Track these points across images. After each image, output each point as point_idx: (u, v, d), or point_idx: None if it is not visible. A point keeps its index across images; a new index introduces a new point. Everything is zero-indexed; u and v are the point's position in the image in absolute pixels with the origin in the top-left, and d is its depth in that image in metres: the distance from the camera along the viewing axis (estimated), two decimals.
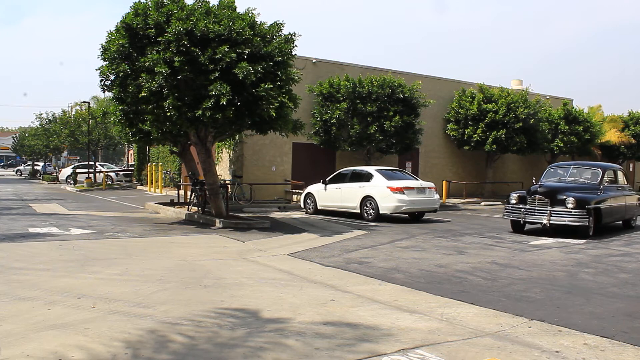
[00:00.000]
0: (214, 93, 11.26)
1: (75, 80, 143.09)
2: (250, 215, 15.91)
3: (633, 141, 29.58)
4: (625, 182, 14.62)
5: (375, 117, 19.77)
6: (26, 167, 58.54)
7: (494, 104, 23.65)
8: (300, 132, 14.81)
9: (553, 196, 12.30)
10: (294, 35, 12.81)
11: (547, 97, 29.07)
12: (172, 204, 17.46)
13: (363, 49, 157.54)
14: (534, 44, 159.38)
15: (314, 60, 21.93)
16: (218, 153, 21.62)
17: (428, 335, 4.82)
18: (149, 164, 29.46)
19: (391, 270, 7.89)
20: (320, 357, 4.21)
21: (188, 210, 15.50)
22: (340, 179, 16.62)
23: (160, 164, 27.60)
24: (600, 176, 13.27)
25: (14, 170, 66.68)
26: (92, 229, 12.11)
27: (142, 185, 30.72)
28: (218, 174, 16.04)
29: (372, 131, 19.66)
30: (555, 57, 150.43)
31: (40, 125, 45.12)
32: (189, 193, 17.19)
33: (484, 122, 23.54)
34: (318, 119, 20.53)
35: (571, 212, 11.94)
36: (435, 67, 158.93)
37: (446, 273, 7.77)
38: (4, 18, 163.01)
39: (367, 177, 15.83)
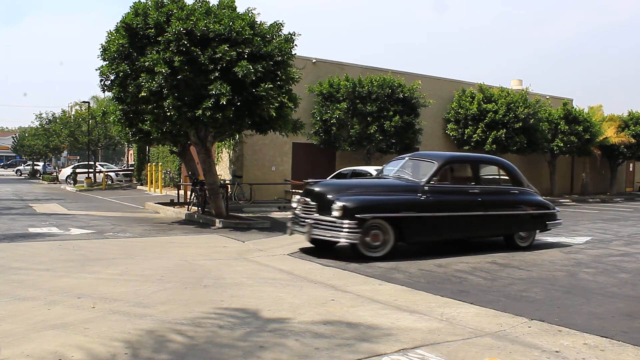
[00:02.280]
0: (214, 93, 11.27)
1: (75, 80, 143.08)
2: (250, 215, 15.91)
3: (633, 141, 29.58)
4: (518, 183, 10.56)
5: (375, 117, 19.78)
6: (26, 167, 58.54)
7: (493, 104, 23.66)
8: (300, 132, 14.81)
9: (321, 199, 8.92)
10: (294, 35, 12.82)
11: (547, 97, 29.07)
12: (172, 204, 17.46)
13: (363, 49, 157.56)
14: (534, 44, 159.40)
15: (314, 60, 21.93)
16: (218, 153, 21.63)
17: (428, 335, 4.82)
18: (149, 164, 29.45)
19: (391, 270, 7.89)
20: (320, 357, 4.21)
21: (188, 210, 15.50)
22: (340, 178, 16.59)
23: (160, 164, 27.59)
24: (432, 172, 9.44)
25: (13, 170, 66.68)
26: (92, 228, 12.11)
27: (142, 185, 30.72)
28: (218, 174, 16.03)
29: (372, 131, 19.66)
30: (555, 57, 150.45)
31: (40, 125, 45.11)
32: (188, 193, 17.19)
33: (484, 122, 23.55)
34: (318, 119, 20.53)
35: (335, 222, 8.48)
36: (435, 67, 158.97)
37: (446, 273, 7.77)
38: (4, 18, 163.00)
39: (366, 177, 15.81)
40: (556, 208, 10.83)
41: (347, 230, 8.38)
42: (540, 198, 10.77)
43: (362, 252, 8.56)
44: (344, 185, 9.65)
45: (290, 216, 9.78)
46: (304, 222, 8.97)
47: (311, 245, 9.86)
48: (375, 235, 8.68)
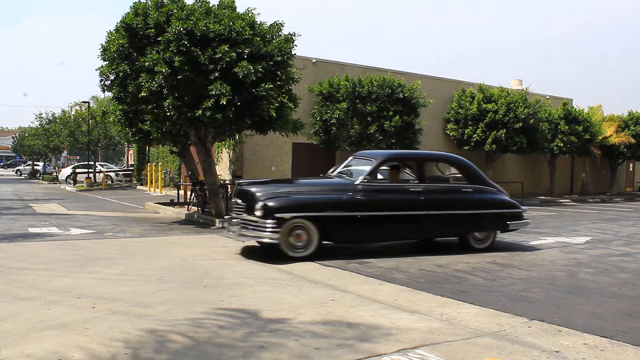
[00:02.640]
0: (214, 93, 11.27)
1: (75, 80, 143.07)
2: None
3: (633, 141, 29.58)
4: (473, 180, 9.87)
5: (375, 117, 19.78)
6: (26, 167, 58.56)
7: (493, 104, 23.66)
8: (300, 132, 14.81)
9: (248, 199, 8.75)
10: (294, 35, 12.82)
11: (547, 97, 29.08)
12: (172, 204, 17.45)
13: (363, 49, 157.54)
14: (534, 44, 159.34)
15: (314, 60, 21.93)
16: (218, 153, 21.63)
17: (428, 335, 4.82)
18: (148, 164, 29.46)
19: (391, 270, 7.89)
20: (320, 357, 4.21)
21: (188, 210, 15.50)
22: None
23: (160, 164, 27.60)
24: (368, 170, 9.10)
25: (13, 170, 66.68)
26: (92, 228, 12.11)
27: (142, 185, 30.72)
28: (218, 174, 16.03)
29: (372, 131, 19.67)
30: (555, 57, 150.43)
31: (40, 125, 45.14)
32: (188, 193, 17.19)
33: (484, 122, 23.55)
34: (318, 119, 20.54)
35: (258, 222, 8.32)
36: (435, 67, 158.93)
37: (446, 273, 7.77)
38: (4, 18, 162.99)
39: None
40: (522, 207, 10.11)
41: (269, 230, 8.21)
42: (500, 196, 10.02)
43: (285, 252, 8.36)
44: (274, 185, 9.39)
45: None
46: (234, 222, 8.83)
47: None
48: (298, 235, 8.45)
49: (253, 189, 8.84)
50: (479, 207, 9.72)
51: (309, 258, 8.37)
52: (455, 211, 9.51)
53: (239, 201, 8.99)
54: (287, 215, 8.32)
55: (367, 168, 9.20)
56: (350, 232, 8.91)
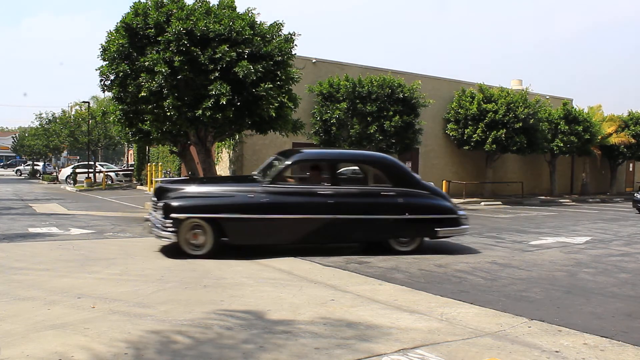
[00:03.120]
0: (213, 93, 11.28)
1: (75, 80, 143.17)
2: None
3: (633, 141, 29.59)
4: (400, 183, 9.29)
5: (375, 117, 19.78)
6: (26, 167, 58.57)
7: (493, 104, 23.67)
8: (300, 132, 14.82)
9: (158, 198, 9.03)
10: (294, 35, 12.83)
11: (547, 97, 29.09)
12: None
13: (363, 49, 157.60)
14: (534, 44, 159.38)
15: (313, 60, 21.94)
16: (218, 153, 21.63)
17: (428, 335, 4.82)
18: (148, 164, 29.47)
19: (391, 270, 7.89)
20: (319, 357, 4.21)
21: None
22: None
23: (160, 164, 27.61)
24: (276, 172, 9.08)
25: (13, 170, 66.69)
26: (92, 228, 12.11)
27: (142, 185, 30.73)
28: (218, 174, 16.02)
29: (372, 131, 19.67)
30: (555, 57, 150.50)
31: (40, 125, 45.17)
32: None
33: (484, 122, 23.56)
34: (318, 119, 20.54)
35: (160, 220, 8.54)
36: (435, 67, 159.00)
37: (446, 273, 7.77)
38: (4, 18, 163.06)
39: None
40: (460, 213, 9.51)
41: (168, 229, 8.41)
42: (429, 201, 9.39)
43: (184, 250, 8.54)
44: (186, 184, 9.49)
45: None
46: (147, 218, 9.07)
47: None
48: (195, 234, 8.58)
49: (163, 189, 9.08)
50: (400, 212, 9.15)
51: (207, 256, 8.47)
52: (371, 216, 9.06)
53: (154, 199, 9.20)
54: (182, 216, 8.47)
55: (277, 169, 9.17)
56: (250, 233, 8.90)
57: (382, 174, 9.53)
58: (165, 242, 8.75)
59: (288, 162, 9.20)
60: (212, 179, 11.32)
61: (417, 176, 9.75)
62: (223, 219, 8.61)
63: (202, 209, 8.64)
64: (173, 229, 8.43)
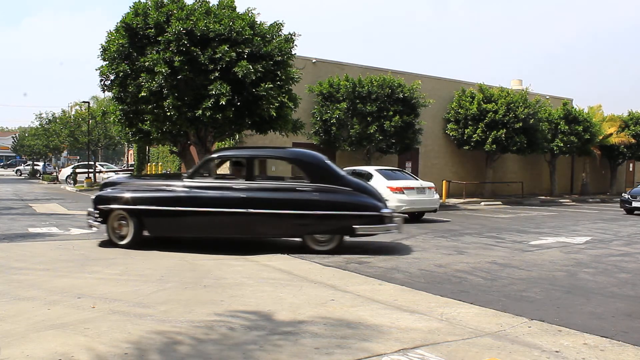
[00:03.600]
0: (213, 93, 11.28)
1: (75, 80, 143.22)
2: None
3: (633, 141, 29.59)
4: (318, 179, 9.21)
5: (375, 117, 19.79)
6: (26, 167, 58.58)
7: (493, 104, 23.68)
8: (300, 132, 14.83)
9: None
10: (294, 35, 12.84)
11: (547, 97, 29.10)
12: None
13: (363, 49, 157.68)
14: (534, 44, 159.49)
15: (313, 60, 21.94)
16: None
17: (428, 335, 4.82)
18: (148, 164, 29.46)
19: (391, 270, 7.89)
20: (319, 357, 4.21)
21: None
22: None
23: (160, 163, 27.60)
24: (196, 167, 9.65)
25: (13, 170, 66.71)
26: (92, 228, 12.11)
27: None
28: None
29: (372, 131, 19.67)
30: (555, 57, 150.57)
31: (40, 125, 45.18)
32: None
33: (484, 122, 23.56)
34: (318, 118, 20.54)
35: (92, 211, 9.49)
36: (435, 67, 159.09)
37: (446, 273, 7.77)
38: (4, 18, 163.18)
39: (366, 176, 15.81)
40: (384, 211, 9.12)
41: (97, 219, 9.37)
42: (349, 197, 9.16)
43: (111, 240, 9.35)
44: (120, 181, 10.16)
45: None
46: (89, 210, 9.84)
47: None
48: (120, 225, 9.30)
49: (102, 184, 10.15)
50: (314, 208, 9.01)
51: (129, 247, 9.14)
52: (282, 211, 9.01)
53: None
54: (106, 207, 9.29)
55: (197, 165, 9.71)
56: (168, 226, 9.42)
57: (300, 170, 9.54)
58: (103, 237, 9.49)
59: (206, 159, 9.65)
60: (148, 175, 11.98)
61: (342, 173, 9.65)
62: (143, 211, 9.17)
63: (125, 201, 9.28)
64: (100, 219, 9.36)
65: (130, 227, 9.20)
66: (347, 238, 9.55)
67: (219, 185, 9.37)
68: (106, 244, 9.53)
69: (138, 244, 9.19)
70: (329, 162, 9.69)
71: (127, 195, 9.38)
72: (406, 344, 4.54)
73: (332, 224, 9.13)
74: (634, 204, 19.78)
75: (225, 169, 20.85)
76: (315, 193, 9.06)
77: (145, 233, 9.40)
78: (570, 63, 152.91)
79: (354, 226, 9.00)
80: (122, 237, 9.25)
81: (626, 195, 20.47)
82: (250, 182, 9.25)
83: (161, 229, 9.44)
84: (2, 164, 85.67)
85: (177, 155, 17.80)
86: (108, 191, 9.53)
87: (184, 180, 9.34)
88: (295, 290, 6.43)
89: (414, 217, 15.85)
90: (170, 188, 9.32)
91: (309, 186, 9.14)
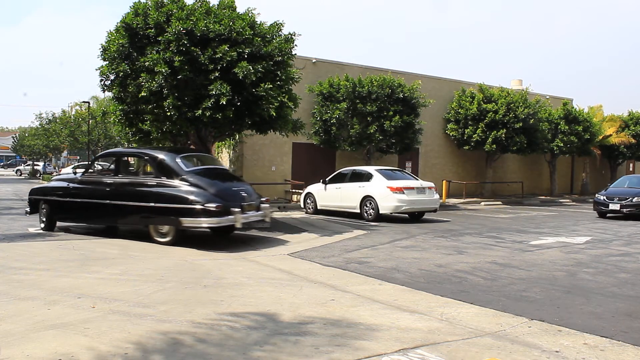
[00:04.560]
0: (214, 93, 11.26)
1: (75, 80, 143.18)
2: None
3: (633, 141, 29.59)
4: (162, 175, 10.02)
5: (375, 117, 19.78)
6: (26, 167, 58.58)
7: (493, 104, 23.67)
8: (300, 132, 14.81)
9: None
10: (294, 35, 12.81)
11: (547, 97, 29.10)
12: None
13: (363, 49, 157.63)
14: (534, 44, 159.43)
15: (314, 60, 21.93)
16: (218, 153, 21.63)
17: (428, 335, 4.82)
18: None
19: (391, 270, 7.89)
20: (319, 357, 4.21)
21: None
22: (340, 178, 16.62)
23: None
24: (87, 164, 12.35)
25: (14, 170, 66.69)
26: (92, 228, 12.10)
27: None
28: None
29: (372, 131, 19.67)
30: (555, 57, 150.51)
31: (40, 125, 45.17)
32: None
33: (484, 122, 23.56)
34: (318, 118, 20.54)
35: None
36: (435, 67, 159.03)
37: (446, 273, 7.77)
38: (4, 17, 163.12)
39: (367, 177, 15.83)
40: (207, 205, 9.31)
41: (30, 209, 11.82)
42: (173, 191, 9.66)
43: (40, 226, 11.54)
44: (60, 177, 12.28)
45: None
46: None
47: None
48: (44, 212, 11.47)
49: (52, 178, 12.18)
50: (151, 201, 9.77)
51: (46, 230, 11.31)
52: (133, 203, 10.00)
53: None
54: (33, 198, 11.72)
55: (88, 164, 11.57)
56: (65, 213, 11.30)
57: (151, 166, 10.55)
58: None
59: (92, 158, 12.08)
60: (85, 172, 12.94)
61: (186, 169, 10.07)
62: (49, 201, 11.28)
63: (42, 193, 11.60)
64: (31, 207, 11.73)
65: (44, 214, 11.38)
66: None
67: (95, 180, 10.95)
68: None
69: (51, 229, 11.32)
70: (178, 159, 10.25)
71: (46, 188, 11.76)
72: (406, 344, 4.54)
73: (163, 216, 9.75)
74: (611, 207, 17.46)
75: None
76: (155, 188, 9.95)
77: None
78: (570, 63, 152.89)
79: (180, 219, 9.51)
80: (42, 222, 11.50)
81: (601, 197, 18.09)
82: (116, 178, 10.61)
83: (61, 216, 11.39)
84: (2, 163, 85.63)
85: None
86: (44, 184, 11.08)
87: (77, 176, 11.30)
88: (295, 290, 6.43)
89: (414, 217, 15.85)
90: (69, 183, 11.24)
91: (153, 181, 10.11)
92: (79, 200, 10.78)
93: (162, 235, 9.84)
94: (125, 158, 11.38)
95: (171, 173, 9.97)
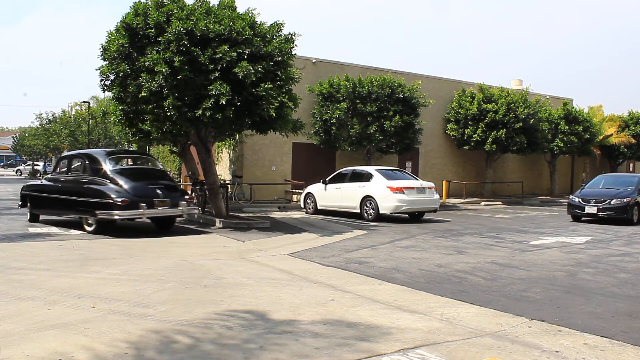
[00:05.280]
0: (214, 93, 11.26)
1: (75, 80, 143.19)
2: (250, 215, 15.92)
3: (633, 141, 29.58)
4: (94, 174, 11.73)
5: (375, 117, 19.77)
6: (26, 167, 58.59)
7: (494, 104, 23.66)
8: (300, 132, 14.81)
9: None
10: (294, 35, 12.81)
11: (547, 97, 29.08)
12: None
13: (363, 49, 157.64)
14: (534, 44, 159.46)
15: (314, 60, 21.93)
16: (218, 153, 21.62)
17: (428, 335, 4.82)
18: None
19: (391, 270, 7.89)
20: (320, 357, 4.21)
21: None
22: (340, 178, 16.62)
23: (160, 163, 27.59)
24: (55, 164, 14.16)
25: (14, 170, 66.68)
26: (19, 207, 12.37)
27: None
28: (218, 173, 16.03)
29: (372, 131, 19.66)
30: (555, 57, 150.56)
31: (40, 125, 45.16)
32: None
33: (484, 122, 23.55)
34: (318, 118, 20.53)
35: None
36: (435, 67, 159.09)
37: (446, 273, 7.77)
38: (4, 18, 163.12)
39: (367, 177, 15.83)
40: (116, 199, 10.89)
41: (20, 202, 13.69)
42: (92, 186, 11.50)
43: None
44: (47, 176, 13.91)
45: None
46: None
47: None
48: (27, 205, 13.32)
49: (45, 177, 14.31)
50: (79, 196, 11.56)
51: (30, 221, 13.06)
52: (70, 197, 11.82)
53: None
54: (22, 193, 13.54)
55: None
56: (37, 206, 13.01)
57: (85, 166, 12.22)
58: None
59: (57, 159, 13.66)
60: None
61: (110, 168, 11.80)
62: (30, 196, 13.17)
63: (27, 189, 13.51)
64: (22, 201, 13.52)
65: (28, 208, 13.14)
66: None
67: (55, 178, 12.94)
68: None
69: (35, 221, 13.05)
70: (106, 160, 12.00)
71: (29, 184, 13.92)
72: (406, 344, 4.54)
73: (87, 208, 11.34)
74: (588, 210, 15.74)
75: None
76: (86, 185, 11.71)
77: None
78: (570, 63, 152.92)
79: (96, 211, 11.08)
80: (28, 214, 13.30)
81: (576, 199, 16.29)
82: (67, 176, 12.63)
83: (36, 209, 13.06)
84: (2, 163, 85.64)
85: (177, 155, 17.77)
86: (32, 182, 12.57)
87: (50, 173, 13.44)
88: (295, 290, 6.43)
89: (414, 217, 15.85)
90: (42, 181, 13.63)
91: (86, 179, 11.89)
92: (44, 195, 12.69)
93: (89, 225, 11.49)
94: (73, 159, 13.14)
95: (99, 172, 11.73)
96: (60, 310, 5.37)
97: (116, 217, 10.91)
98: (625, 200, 15.52)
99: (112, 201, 10.85)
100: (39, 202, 12.85)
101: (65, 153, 14.87)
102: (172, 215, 11.88)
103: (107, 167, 11.68)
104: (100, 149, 14.84)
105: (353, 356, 4.23)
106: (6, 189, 29.09)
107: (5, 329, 4.73)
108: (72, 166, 12.83)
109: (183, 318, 5.16)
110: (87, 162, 12.11)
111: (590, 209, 15.70)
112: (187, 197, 12.20)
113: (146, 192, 11.33)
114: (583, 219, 16.17)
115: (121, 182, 11.31)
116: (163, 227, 12.19)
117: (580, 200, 16.11)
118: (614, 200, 15.55)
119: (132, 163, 14.27)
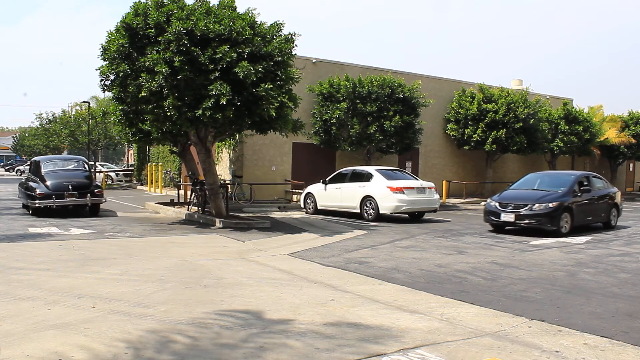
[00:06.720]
0: (214, 93, 11.26)
1: (75, 80, 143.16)
2: (250, 215, 15.91)
3: (633, 141, 29.57)
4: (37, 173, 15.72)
5: (375, 117, 19.77)
6: (26, 167, 58.53)
7: (494, 104, 23.65)
8: (300, 132, 14.80)
9: None
10: (294, 35, 12.80)
11: (547, 97, 29.08)
12: (172, 203, 17.45)
13: (363, 49, 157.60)
14: (534, 44, 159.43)
15: (314, 60, 21.93)
16: (218, 153, 21.62)
17: (428, 335, 4.82)
18: (149, 164, 29.45)
19: (391, 270, 7.89)
20: (320, 357, 4.21)
21: (188, 210, 15.49)
22: (340, 178, 16.62)
23: (160, 163, 27.59)
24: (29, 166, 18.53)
25: (14, 170, 66.63)
26: (92, 228, 12.12)
27: (142, 185, 30.71)
28: (218, 173, 16.03)
29: (372, 131, 19.66)
30: (555, 57, 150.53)
31: (40, 125, 45.10)
32: (189, 193, 17.19)
33: (484, 122, 23.54)
34: (318, 119, 20.53)
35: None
36: (435, 67, 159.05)
37: (446, 273, 7.77)
38: (4, 18, 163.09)
39: (367, 177, 15.83)
40: (38, 191, 14.55)
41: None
42: (29, 184, 15.31)
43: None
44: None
45: None
46: None
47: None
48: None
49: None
50: (26, 190, 15.35)
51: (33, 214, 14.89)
52: (24, 191, 15.65)
53: None
54: (18, 188, 16.74)
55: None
56: (23, 199, 15.86)
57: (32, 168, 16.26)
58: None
59: (30, 161, 15.79)
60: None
61: (45, 169, 15.59)
62: (20, 190, 16.03)
63: (19, 185, 16.50)
64: (20, 194, 16.43)
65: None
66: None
67: (27, 176, 16.51)
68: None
69: (28, 211, 15.44)
70: (42, 163, 15.95)
71: (21, 181, 17.00)
72: (406, 344, 4.54)
73: (27, 199, 15.04)
74: (504, 217, 12.40)
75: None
76: (29, 182, 15.54)
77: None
78: (570, 63, 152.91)
79: (29, 201, 14.86)
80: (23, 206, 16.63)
81: (493, 203, 12.91)
82: (28, 175, 16.30)
83: (23, 201, 15.88)
84: (2, 163, 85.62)
85: (177, 155, 17.77)
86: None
87: (25, 174, 16.05)
88: (295, 290, 6.43)
89: (414, 217, 15.85)
90: (23, 179, 17.10)
91: (31, 177, 15.84)
92: (22, 189, 15.85)
93: (29, 210, 15.20)
94: (31, 163, 16.70)
95: (37, 172, 15.65)
96: (60, 310, 5.37)
97: (37, 204, 14.41)
98: (550, 205, 12.09)
99: (34, 194, 14.62)
100: (22, 195, 16.13)
101: (33, 159, 17.80)
102: (81, 204, 15.15)
103: (42, 168, 15.65)
104: (43, 156, 20.58)
105: (353, 356, 4.23)
106: (6, 189, 29.08)
107: (5, 329, 4.73)
108: (31, 168, 16.57)
109: (183, 318, 5.16)
110: (32, 165, 16.55)
111: (507, 217, 12.36)
112: (96, 191, 15.48)
113: (61, 187, 14.81)
114: (507, 227, 12.77)
115: (47, 179, 15.09)
116: (93, 211, 15.51)
117: (497, 205, 12.73)
118: (537, 206, 12.17)
119: (64, 164, 17.14)
